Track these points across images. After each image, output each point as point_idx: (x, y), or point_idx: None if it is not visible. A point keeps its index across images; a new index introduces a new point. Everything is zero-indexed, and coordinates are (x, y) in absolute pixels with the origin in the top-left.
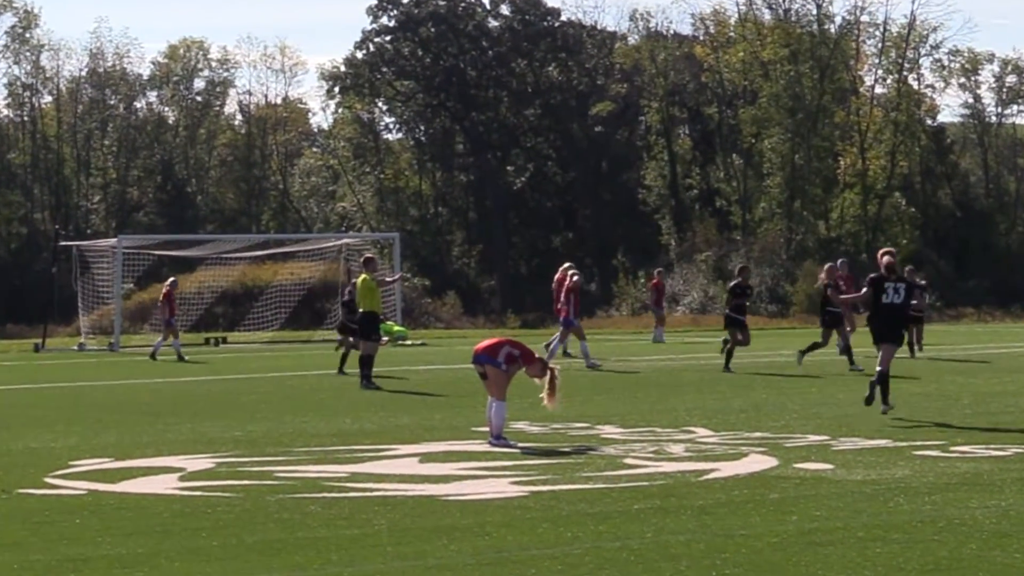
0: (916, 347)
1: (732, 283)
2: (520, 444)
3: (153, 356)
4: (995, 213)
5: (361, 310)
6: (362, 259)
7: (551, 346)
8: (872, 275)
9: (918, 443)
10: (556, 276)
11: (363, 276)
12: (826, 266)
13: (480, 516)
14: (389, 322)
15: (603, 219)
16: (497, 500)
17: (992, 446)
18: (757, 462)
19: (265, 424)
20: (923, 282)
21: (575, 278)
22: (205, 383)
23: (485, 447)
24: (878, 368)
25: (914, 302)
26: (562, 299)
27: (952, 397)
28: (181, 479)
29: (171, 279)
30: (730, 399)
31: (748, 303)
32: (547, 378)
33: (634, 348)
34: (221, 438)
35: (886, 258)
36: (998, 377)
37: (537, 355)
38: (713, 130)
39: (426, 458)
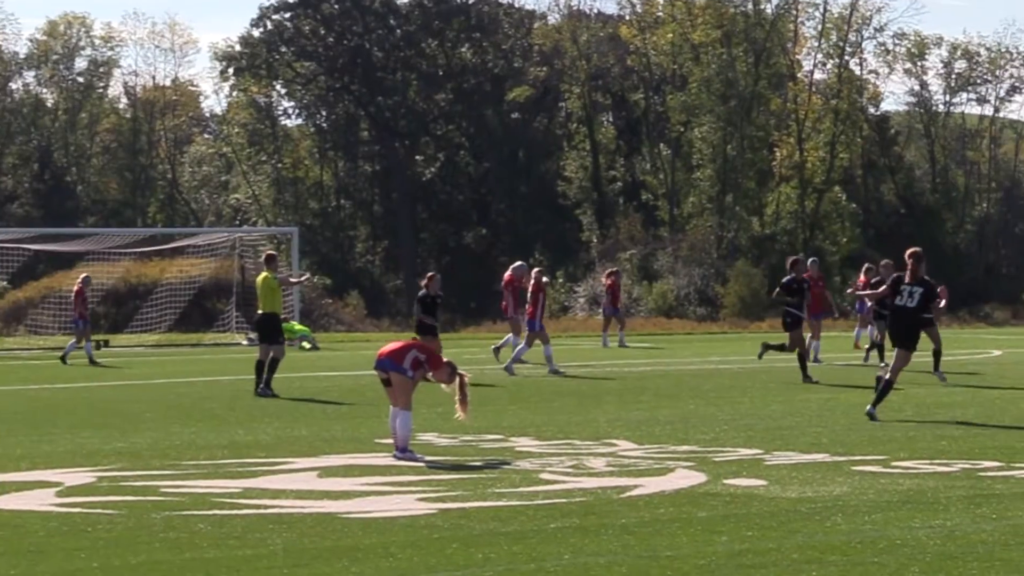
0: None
1: (785, 279)
2: (427, 457)
3: (91, 361)
4: (942, 210)
5: (261, 311)
6: (263, 256)
7: (539, 354)
8: (896, 275)
9: (857, 458)
10: (505, 276)
11: (264, 275)
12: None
13: (384, 535)
14: (291, 321)
15: (519, 213)
16: (403, 518)
17: (937, 461)
18: (684, 478)
19: (150, 435)
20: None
21: (545, 279)
22: (85, 390)
23: (389, 460)
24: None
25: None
26: (518, 300)
27: (894, 408)
28: (58, 495)
29: (83, 275)
30: (655, 410)
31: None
32: (456, 384)
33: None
34: (102, 450)
35: (910, 260)
36: (943, 387)
37: (445, 359)
38: (639, 118)
39: (325, 472)
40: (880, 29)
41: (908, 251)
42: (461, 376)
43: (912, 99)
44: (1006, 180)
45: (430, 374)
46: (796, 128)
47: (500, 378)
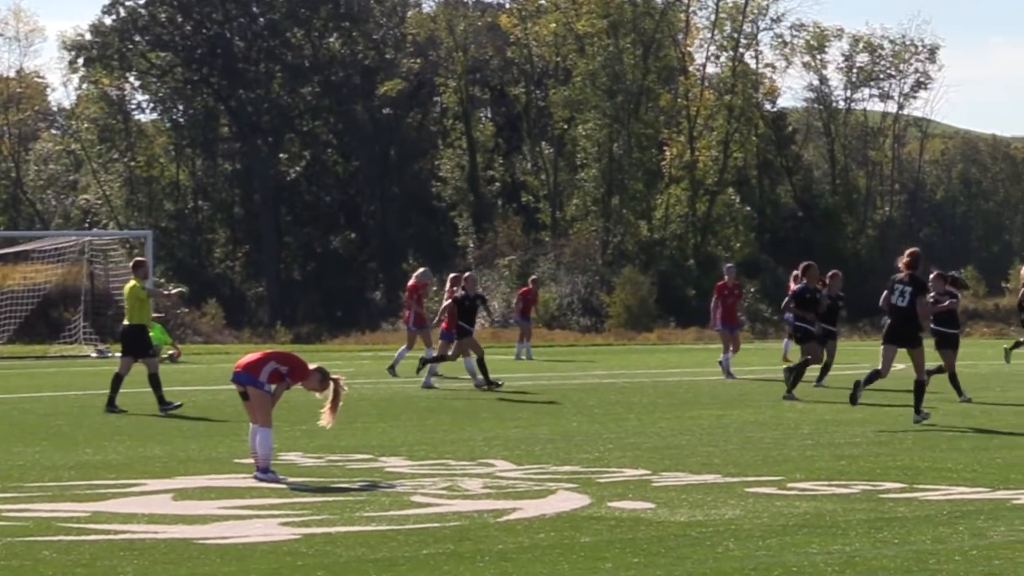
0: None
1: (797, 288)
2: (290, 479)
3: None
4: (842, 213)
5: (127, 323)
6: (131, 263)
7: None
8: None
9: (751, 479)
10: (409, 284)
11: (132, 283)
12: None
13: (244, 563)
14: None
15: (391, 216)
16: (264, 544)
17: (836, 482)
18: (566, 500)
19: None
20: (951, 288)
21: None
22: None
23: (249, 482)
24: (875, 368)
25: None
26: (423, 309)
27: (790, 426)
28: None
29: None
30: (535, 427)
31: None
32: (330, 389)
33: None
34: None
35: (904, 259)
36: (842, 403)
37: (313, 366)
38: (519, 113)
39: (180, 495)
40: (777, 20)
41: (907, 251)
42: (335, 380)
43: (811, 95)
44: (910, 182)
45: (297, 385)
46: (687, 125)
47: (365, 396)
